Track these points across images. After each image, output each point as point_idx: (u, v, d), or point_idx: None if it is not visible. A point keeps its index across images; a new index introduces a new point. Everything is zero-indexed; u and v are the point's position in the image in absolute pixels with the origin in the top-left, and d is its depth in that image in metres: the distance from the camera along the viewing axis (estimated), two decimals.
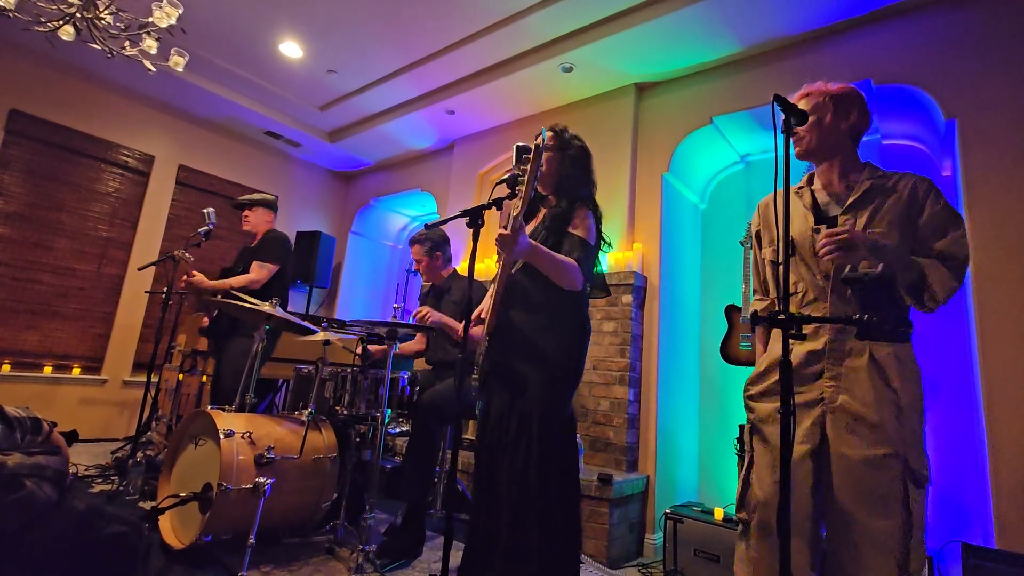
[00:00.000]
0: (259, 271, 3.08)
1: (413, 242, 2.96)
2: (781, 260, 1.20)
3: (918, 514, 1.29)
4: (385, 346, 2.39)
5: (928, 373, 1.37)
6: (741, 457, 2.68)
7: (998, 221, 2.39)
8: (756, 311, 1.68)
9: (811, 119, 1.51)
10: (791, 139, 1.48)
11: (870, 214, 1.43)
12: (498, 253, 1.65)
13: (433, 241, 2.93)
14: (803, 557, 1.35)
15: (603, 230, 1.85)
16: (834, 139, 1.52)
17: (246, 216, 3.32)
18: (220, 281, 3.06)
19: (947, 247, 1.38)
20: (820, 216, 1.51)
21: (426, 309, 2.56)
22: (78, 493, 2.51)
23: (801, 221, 1.51)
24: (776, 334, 1.59)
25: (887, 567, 1.27)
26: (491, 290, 1.76)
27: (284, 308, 2.44)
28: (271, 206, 3.38)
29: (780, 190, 1.29)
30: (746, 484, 1.50)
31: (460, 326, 1.86)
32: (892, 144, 3.18)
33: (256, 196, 3.39)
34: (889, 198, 1.44)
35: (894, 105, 2.91)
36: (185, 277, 3.08)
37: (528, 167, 1.47)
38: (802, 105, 1.54)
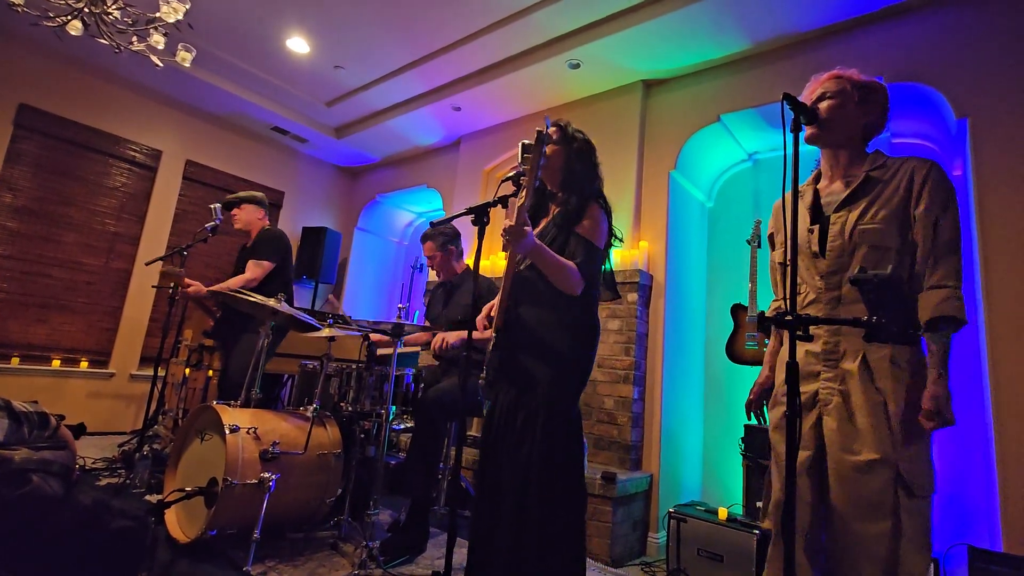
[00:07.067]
0: (255, 269, 3.08)
1: (425, 239, 2.92)
2: (787, 261, 1.19)
3: (912, 523, 1.24)
4: (388, 338, 2.39)
5: None
6: (746, 457, 2.67)
7: (1010, 221, 2.36)
8: (763, 312, 1.67)
9: (834, 102, 1.46)
10: (806, 122, 1.43)
11: (863, 209, 1.39)
12: (504, 247, 1.64)
13: (446, 236, 2.91)
14: (804, 569, 1.35)
15: (612, 225, 1.83)
16: (849, 130, 1.48)
17: (235, 214, 3.31)
18: (217, 285, 3.05)
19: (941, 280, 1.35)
20: (816, 216, 1.49)
21: (439, 339, 2.57)
22: (84, 487, 2.53)
23: (800, 221, 1.49)
24: (784, 336, 1.58)
25: (874, 574, 1.25)
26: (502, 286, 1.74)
27: (290, 305, 2.44)
28: (259, 202, 3.35)
29: (788, 192, 1.27)
30: (768, 491, 1.49)
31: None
32: (902, 143, 3.14)
33: (242, 194, 3.37)
34: (887, 189, 1.39)
35: (905, 103, 2.88)
36: (180, 289, 3.08)
37: (531, 155, 1.46)
38: (828, 86, 1.49)
